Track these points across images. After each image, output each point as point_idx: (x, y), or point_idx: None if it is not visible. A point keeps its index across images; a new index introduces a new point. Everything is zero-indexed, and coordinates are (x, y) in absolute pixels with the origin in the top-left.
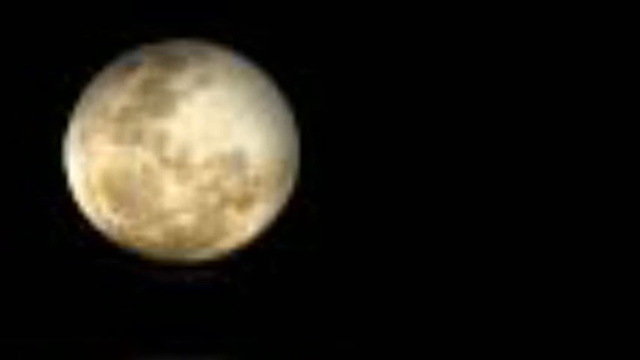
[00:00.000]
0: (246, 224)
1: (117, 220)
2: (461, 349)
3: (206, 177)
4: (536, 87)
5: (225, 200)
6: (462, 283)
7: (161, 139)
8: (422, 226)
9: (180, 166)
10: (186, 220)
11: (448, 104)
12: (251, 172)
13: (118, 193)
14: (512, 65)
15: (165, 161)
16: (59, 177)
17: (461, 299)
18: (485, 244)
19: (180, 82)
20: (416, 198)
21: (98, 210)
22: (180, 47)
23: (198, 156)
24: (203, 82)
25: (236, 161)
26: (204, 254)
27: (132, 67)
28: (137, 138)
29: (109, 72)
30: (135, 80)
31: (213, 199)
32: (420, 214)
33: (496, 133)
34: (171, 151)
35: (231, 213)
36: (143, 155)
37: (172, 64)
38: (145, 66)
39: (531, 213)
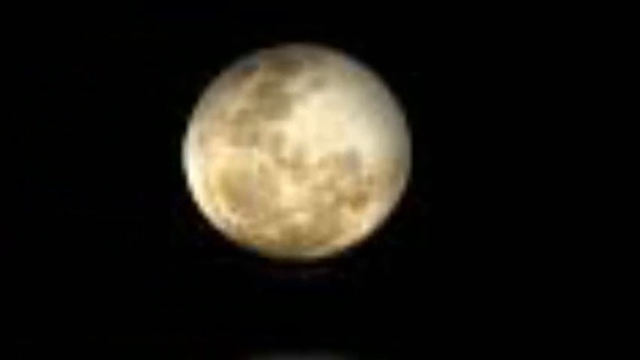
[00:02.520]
0: (361, 222)
1: (235, 219)
2: (571, 349)
3: (321, 177)
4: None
5: (340, 199)
6: (575, 283)
7: (277, 141)
8: (533, 224)
9: (296, 166)
10: (302, 218)
11: (558, 105)
12: (365, 172)
13: (236, 193)
14: (611, 65)
15: (281, 162)
16: (179, 178)
17: (574, 300)
18: (599, 246)
19: (295, 85)
20: (526, 196)
21: (217, 210)
22: (295, 51)
23: (313, 156)
24: (317, 85)
25: (350, 161)
26: (320, 252)
27: (248, 72)
28: (254, 140)
29: (226, 77)
30: (251, 84)
31: (328, 198)
32: (531, 212)
33: (602, 134)
34: (287, 152)
35: (346, 211)
36: (260, 156)
37: (287, 68)
38: (261, 70)
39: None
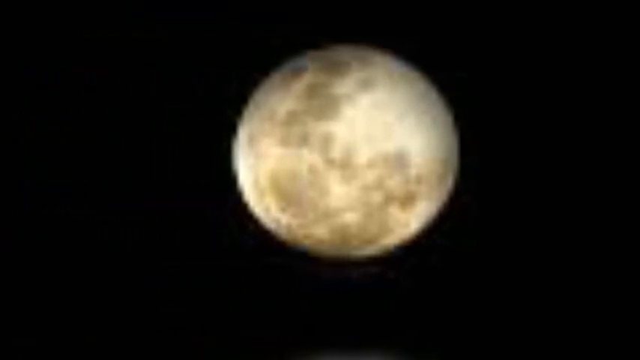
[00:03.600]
0: (409, 221)
1: (285, 219)
2: (624, 347)
3: (370, 176)
4: None
5: (388, 198)
6: (623, 283)
7: (326, 141)
8: (581, 224)
9: (345, 166)
10: (351, 218)
11: (606, 103)
12: (413, 171)
13: (286, 193)
14: None
15: (330, 162)
16: (229, 179)
17: (621, 299)
18: None
19: (343, 86)
20: (575, 196)
21: (267, 210)
22: (344, 53)
23: (362, 156)
24: (365, 85)
25: (398, 161)
26: (369, 251)
27: (297, 73)
28: (303, 140)
29: (276, 78)
30: (300, 85)
31: (377, 197)
32: (579, 213)
33: None
34: (336, 152)
35: (394, 211)
36: (309, 157)
37: (336, 69)
38: (309, 71)
39: None
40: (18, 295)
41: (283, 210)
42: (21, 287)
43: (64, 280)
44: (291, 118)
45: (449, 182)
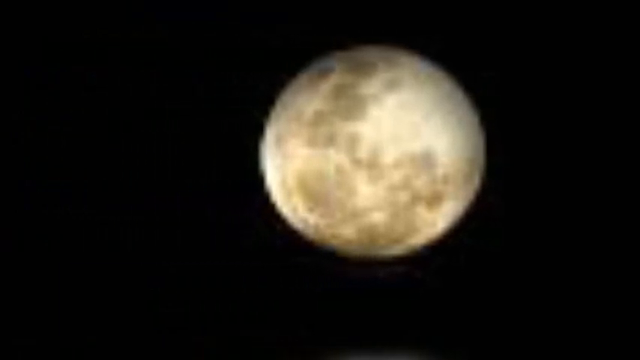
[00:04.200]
0: (436, 221)
1: (312, 219)
2: None
3: (397, 176)
4: None
5: (415, 198)
6: None
7: (353, 141)
8: (607, 223)
9: (372, 166)
10: (378, 218)
11: (634, 104)
12: (439, 171)
13: (313, 193)
14: None
15: (357, 162)
16: (257, 179)
17: None
18: None
19: (370, 86)
20: (601, 196)
21: (294, 210)
22: (370, 53)
23: (389, 156)
24: (392, 86)
25: (425, 161)
26: (397, 250)
27: (324, 74)
28: (330, 141)
29: (303, 78)
30: (327, 86)
31: (404, 197)
32: (605, 212)
33: None
34: (362, 153)
35: (421, 210)
36: (336, 157)
37: (363, 69)
38: (336, 72)
39: None
40: (40, 295)
41: (311, 210)
42: (46, 288)
43: (87, 280)
44: (318, 119)
45: (475, 182)
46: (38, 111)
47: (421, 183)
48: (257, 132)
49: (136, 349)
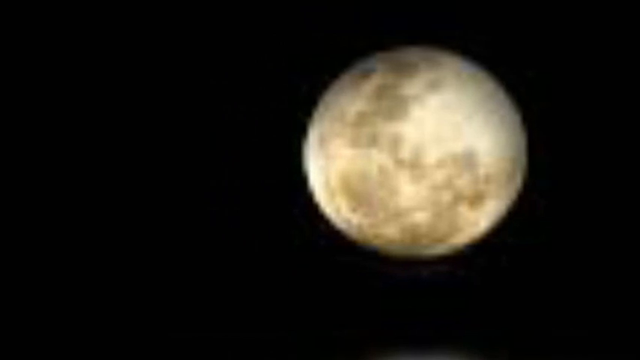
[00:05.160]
0: (478, 220)
1: (356, 219)
2: None
3: (439, 176)
4: None
5: (457, 198)
6: None
7: (395, 142)
8: None
9: (414, 166)
10: (421, 217)
11: None
12: (482, 171)
13: (356, 193)
14: None
15: (399, 162)
16: (300, 180)
17: None
18: None
19: (412, 87)
20: None
21: (338, 210)
22: (412, 54)
23: (431, 156)
24: (434, 86)
25: (467, 160)
26: (439, 249)
27: (366, 74)
28: (373, 141)
29: (345, 79)
30: (369, 86)
31: (446, 197)
32: None
33: None
34: (405, 153)
35: (463, 210)
36: (379, 157)
37: (404, 70)
38: (378, 73)
39: None
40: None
41: (354, 210)
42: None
43: (139, 278)
44: (361, 119)
45: (517, 181)
46: (77, 110)
47: (463, 182)
48: (300, 133)
49: (180, 346)
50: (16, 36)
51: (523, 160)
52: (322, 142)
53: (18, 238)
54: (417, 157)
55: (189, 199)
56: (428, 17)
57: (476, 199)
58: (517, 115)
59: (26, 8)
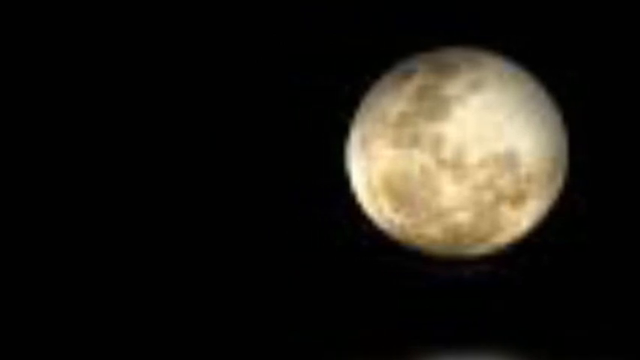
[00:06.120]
0: (520, 220)
1: (398, 219)
2: None
3: (481, 176)
4: None
5: (499, 197)
6: None
7: (437, 142)
8: None
9: (456, 166)
10: (463, 217)
11: None
12: (523, 171)
13: (399, 193)
14: None
15: (441, 162)
16: (343, 180)
17: None
18: None
19: (453, 87)
20: None
21: (380, 210)
22: (453, 55)
23: (473, 156)
24: (475, 86)
25: (509, 160)
26: (482, 249)
27: (408, 75)
28: (415, 141)
29: (387, 80)
30: (411, 87)
31: (488, 196)
32: None
33: None
34: (447, 153)
35: (505, 209)
36: (421, 157)
37: (446, 70)
38: (420, 73)
39: None
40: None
41: (396, 210)
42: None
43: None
44: (403, 120)
45: (559, 180)
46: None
47: (505, 182)
48: (342, 133)
49: (218, 345)
50: (16, 36)
51: (564, 159)
52: (364, 143)
53: (18, 238)
54: (458, 157)
55: (234, 200)
56: (469, 18)
57: (518, 199)
58: (558, 115)
59: (26, 8)
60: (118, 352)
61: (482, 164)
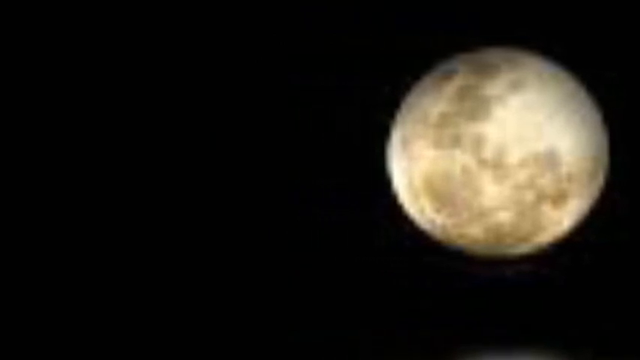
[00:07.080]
0: (562, 219)
1: (440, 219)
2: None
3: (522, 176)
4: None
5: (540, 197)
6: None
7: (478, 142)
8: None
9: (497, 166)
10: (504, 217)
11: None
12: (564, 170)
13: (440, 194)
14: None
15: (482, 162)
16: (384, 181)
17: None
18: None
19: (494, 87)
20: None
21: (422, 211)
22: (493, 55)
23: (514, 156)
24: (515, 86)
25: (549, 160)
26: (523, 249)
27: (448, 76)
28: (456, 142)
29: (427, 81)
30: (451, 87)
31: (529, 196)
32: None
33: None
34: (488, 153)
35: (547, 209)
36: (462, 158)
37: (486, 71)
38: (460, 74)
39: None
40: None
41: (438, 210)
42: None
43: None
44: (444, 120)
45: (600, 179)
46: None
47: (546, 182)
48: (383, 134)
49: (262, 346)
50: (16, 36)
51: (605, 159)
52: (405, 143)
53: (18, 238)
54: (499, 157)
55: (277, 201)
56: (509, 18)
57: (559, 198)
58: (598, 114)
59: (26, 8)
60: (118, 352)
61: (522, 164)
